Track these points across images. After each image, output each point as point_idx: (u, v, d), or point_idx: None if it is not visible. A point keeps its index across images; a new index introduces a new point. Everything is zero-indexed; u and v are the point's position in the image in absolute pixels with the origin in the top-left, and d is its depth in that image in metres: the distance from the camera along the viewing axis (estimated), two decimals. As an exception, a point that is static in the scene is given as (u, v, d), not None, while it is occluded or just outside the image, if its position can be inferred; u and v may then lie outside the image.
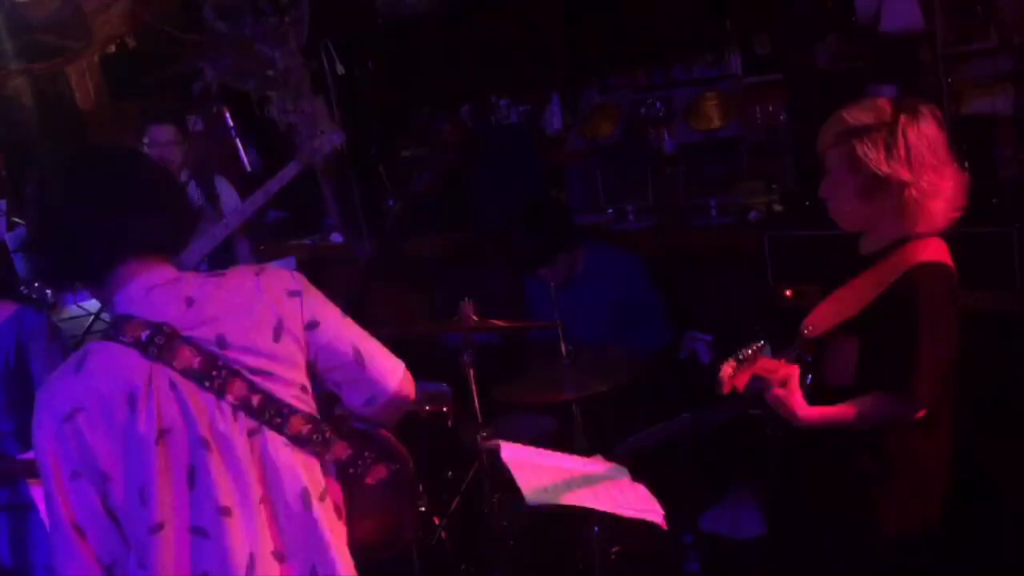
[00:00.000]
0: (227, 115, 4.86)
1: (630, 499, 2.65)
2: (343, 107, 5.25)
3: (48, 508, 1.75)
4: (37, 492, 2.65)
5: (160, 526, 1.74)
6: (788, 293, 3.70)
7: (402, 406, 2.03)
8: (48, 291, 4.29)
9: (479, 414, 3.01)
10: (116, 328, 1.78)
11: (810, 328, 2.34)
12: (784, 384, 2.27)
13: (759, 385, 2.27)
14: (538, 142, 5.28)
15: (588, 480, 2.68)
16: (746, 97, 4.66)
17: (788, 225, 3.90)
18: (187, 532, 1.76)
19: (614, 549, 3.10)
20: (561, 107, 5.31)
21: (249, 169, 5.03)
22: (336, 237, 5.53)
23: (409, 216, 5.28)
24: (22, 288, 4.16)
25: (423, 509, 3.15)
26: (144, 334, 1.75)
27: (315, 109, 5.00)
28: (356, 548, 1.94)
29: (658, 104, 4.87)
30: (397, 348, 2.06)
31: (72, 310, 3.82)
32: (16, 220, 5.33)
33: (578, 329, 3.55)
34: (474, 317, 3.06)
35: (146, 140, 4.65)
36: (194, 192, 4.58)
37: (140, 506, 1.74)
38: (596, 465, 2.80)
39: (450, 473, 3.35)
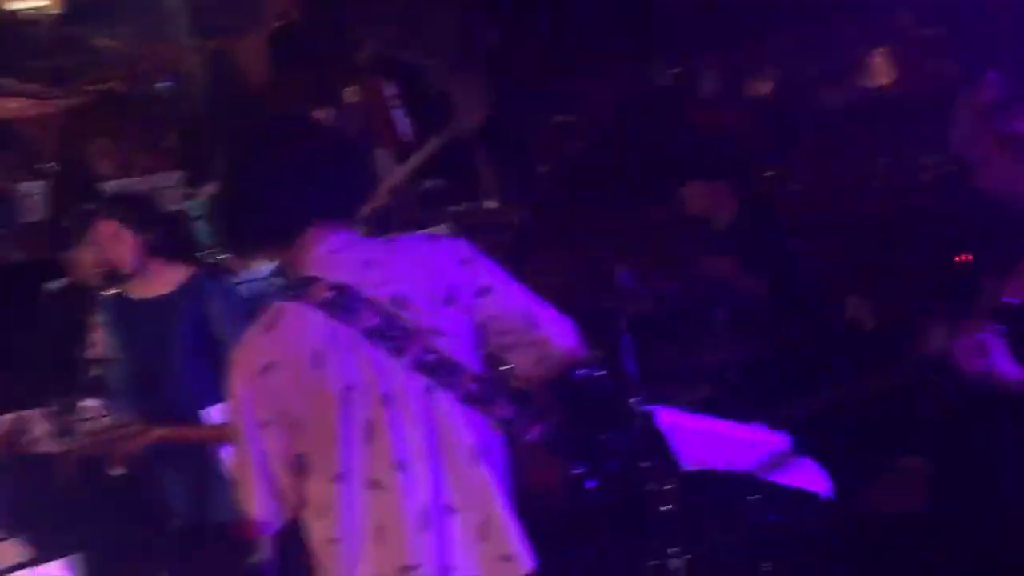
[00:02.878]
0: (386, 85, 5.00)
1: (792, 469, 2.61)
2: (496, 74, 5.31)
3: (239, 455, 1.89)
4: (219, 449, 2.85)
5: (340, 477, 1.85)
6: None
7: (570, 365, 2.07)
8: (227, 257, 4.56)
9: (635, 377, 3.02)
10: (302, 289, 1.88)
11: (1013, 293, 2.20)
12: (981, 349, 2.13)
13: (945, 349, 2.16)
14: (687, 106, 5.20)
15: (747, 447, 2.66)
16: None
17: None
18: (365, 485, 1.86)
19: (771, 518, 3.07)
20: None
21: (405, 138, 5.16)
22: (490, 204, 5.61)
23: (562, 183, 5.31)
24: (202, 254, 4.45)
25: (579, 471, 3.19)
26: (328, 295, 1.85)
27: (469, 77, 5.07)
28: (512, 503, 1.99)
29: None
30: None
31: (247, 274, 4.05)
32: (193, 190, 5.68)
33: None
34: (630, 283, 3.06)
35: None
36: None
37: (322, 457, 1.85)
38: (756, 432, 2.77)
39: (605, 436, 3.37)
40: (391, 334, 1.86)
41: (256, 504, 1.88)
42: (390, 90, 5.30)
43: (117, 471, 3.23)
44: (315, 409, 1.84)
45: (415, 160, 4.33)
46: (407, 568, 1.87)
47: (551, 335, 2.02)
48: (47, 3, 7.07)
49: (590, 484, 3.22)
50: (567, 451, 2.19)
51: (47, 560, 2.16)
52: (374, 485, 1.86)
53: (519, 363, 2.04)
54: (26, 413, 3.26)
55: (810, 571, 3.25)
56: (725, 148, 4.99)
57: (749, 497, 3.00)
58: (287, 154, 1.89)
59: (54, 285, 4.39)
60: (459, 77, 4.90)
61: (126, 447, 2.74)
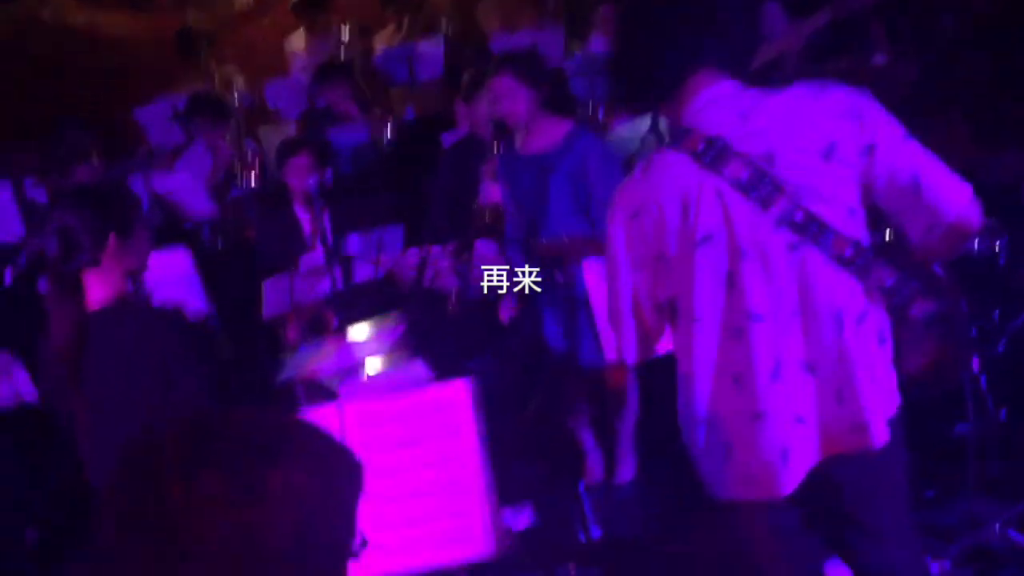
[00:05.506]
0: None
1: None
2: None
3: (611, 294, 2.02)
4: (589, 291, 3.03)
5: (698, 319, 1.91)
6: None
7: (964, 236, 1.93)
8: (604, 114, 4.69)
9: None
10: (677, 138, 1.94)
11: None
12: None
13: None
14: None
15: None
16: None
17: None
18: (721, 330, 1.91)
19: None
20: None
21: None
22: (879, 58, 5.19)
23: (968, 41, 4.74)
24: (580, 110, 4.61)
25: (962, 351, 2.99)
26: (700, 145, 1.88)
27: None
28: (902, 380, 1.93)
29: None
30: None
31: (623, 130, 4.13)
32: (572, 48, 5.83)
33: None
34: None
35: None
36: None
37: (683, 300, 1.93)
38: None
39: (997, 314, 3.11)
40: (758, 188, 1.85)
41: (623, 341, 2.02)
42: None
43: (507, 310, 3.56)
44: (678, 253, 1.91)
45: (817, 18, 4.10)
46: (758, 415, 1.90)
47: (945, 201, 1.88)
48: None
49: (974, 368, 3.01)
50: (959, 330, 2.03)
51: (446, 378, 2.42)
52: (731, 332, 1.90)
53: (910, 230, 1.92)
54: (431, 249, 3.64)
55: None
56: None
57: None
58: (678, 3, 1.93)
59: (451, 137, 4.77)
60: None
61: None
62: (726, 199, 1.87)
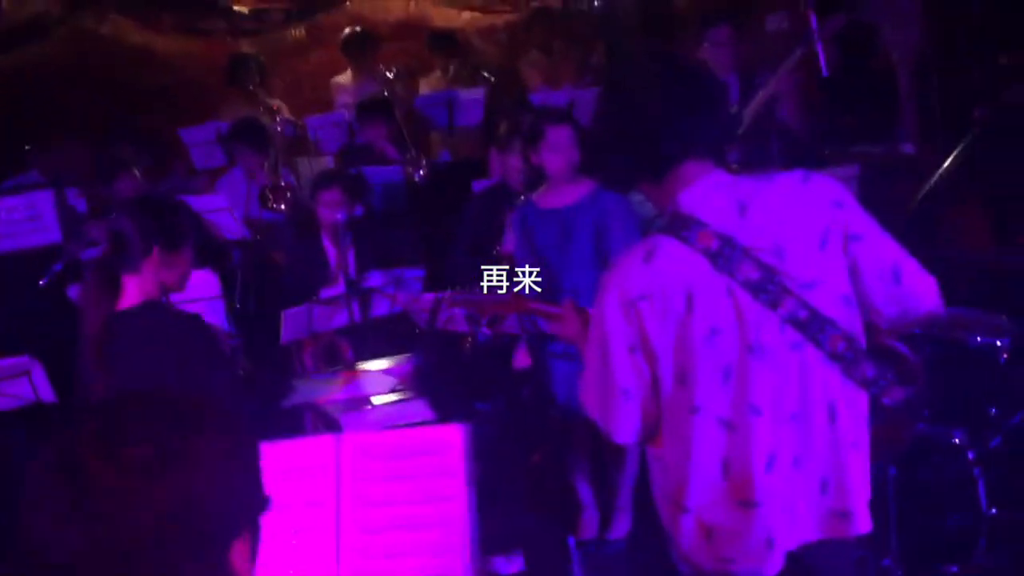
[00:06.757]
0: (813, 16, 4.83)
1: None
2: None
3: (602, 373, 1.99)
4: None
5: (696, 409, 1.94)
6: None
7: (932, 323, 2.00)
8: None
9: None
10: (685, 229, 1.93)
11: None
12: None
13: None
14: None
15: None
16: None
17: None
18: (718, 422, 1.94)
19: None
20: None
21: (826, 74, 4.97)
22: (907, 148, 5.25)
23: (999, 131, 4.79)
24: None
25: (956, 441, 3.02)
26: (714, 244, 1.90)
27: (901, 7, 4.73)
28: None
29: None
30: (956, 271, 2.00)
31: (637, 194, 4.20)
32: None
33: None
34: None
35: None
36: (731, 83, 4.70)
37: (680, 388, 1.94)
38: None
39: (994, 411, 3.14)
40: (768, 288, 1.89)
41: (615, 421, 1.99)
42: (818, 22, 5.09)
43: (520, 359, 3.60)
44: (679, 345, 1.92)
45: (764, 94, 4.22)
46: (750, 503, 1.94)
47: (921, 292, 1.96)
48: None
49: (970, 455, 3.04)
50: (915, 414, 2.09)
51: (444, 421, 2.47)
52: (727, 424, 1.93)
53: (885, 314, 1.98)
54: (445, 294, 3.72)
55: None
56: None
57: None
58: (677, 89, 1.96)
59: (482, 184, 4.87)
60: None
61: (498, 311, 2.95)
62: (736, 297, 1.90)
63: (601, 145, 2.08)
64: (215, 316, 4.03)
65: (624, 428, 2.00)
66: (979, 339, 3.08)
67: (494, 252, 3.92)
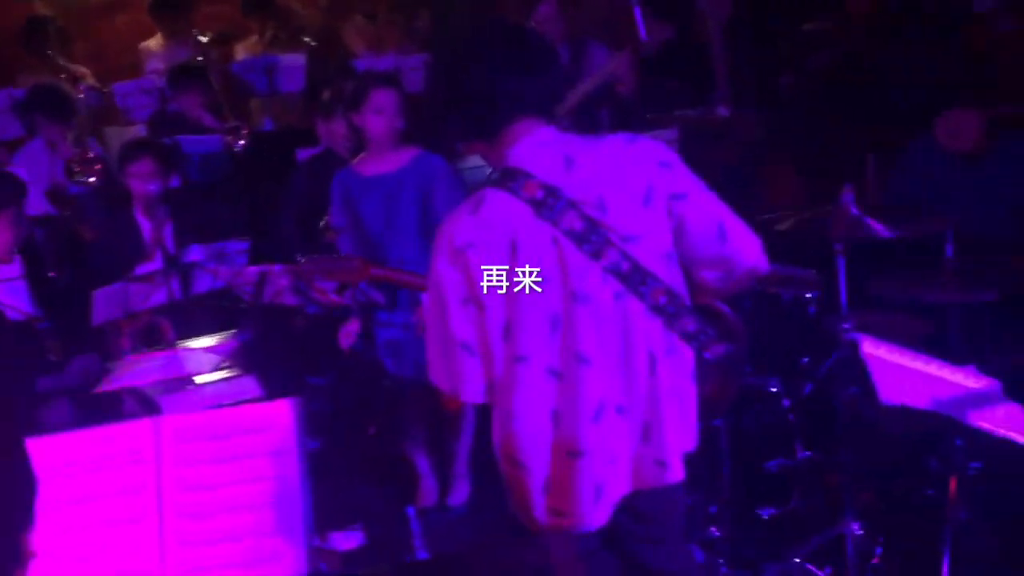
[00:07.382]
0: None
1: (1000, 416, 2.48)
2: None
3: (441, 331, 1.99)
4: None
5: (524, 359, 1.96)
6: None
7: (753, 280, 2.09)
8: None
9: (845, 305, 2.95)
10: (512, 180, 1.97)
11: None
12: None
13: None
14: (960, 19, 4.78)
15: (954, 388, 2.55)
16: None
17: None
18: (545, 371, 1.97)
19: (973, 464, 2.95)
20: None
21: (645, 38, 5.09)
22: (723, 111, 5.46)
23: (805, 96, 5.06)
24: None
25: (774, 390, 3.19)
26: (539, 194, 1.94)
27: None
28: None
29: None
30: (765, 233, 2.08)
31: (471, 160, 4.19)
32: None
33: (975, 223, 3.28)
34: (853, 209, 2.95)
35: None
36: (563, 53, 4.82)
37: (508, 338, 1.96)
38: (967, 375, 2.65)
39: (806, 359, 3.32)
40: (590, 240, 1.93)
41: (460, 378, 1.99)
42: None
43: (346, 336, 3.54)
44: (505, 293, 1.94)
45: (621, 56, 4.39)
46: (576, 453, 1.98)
47: (744, 249, 2.03)
48: None
49: (785, 403, 3.21)
50: (739, 370, 2.21)
51: (273, 398, 2.40)
52: (555, 373, 1.97)
53: (706, 276, 2.06)
54: (272, 267, 3.60)
55: (1008, 522, 3.12)
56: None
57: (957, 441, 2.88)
58: (504, 53, 1.99)
59: (308, 151, 4.73)
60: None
61: (347, 278, 2.91)
62: (560, 247, 1.94)
63: (435, 107, 2.09)
64: (17, 298, 3.76)
65: (470, 385, 2.00)
66: (791, 293, 3.25)
67: (322, 223, 3.81)
